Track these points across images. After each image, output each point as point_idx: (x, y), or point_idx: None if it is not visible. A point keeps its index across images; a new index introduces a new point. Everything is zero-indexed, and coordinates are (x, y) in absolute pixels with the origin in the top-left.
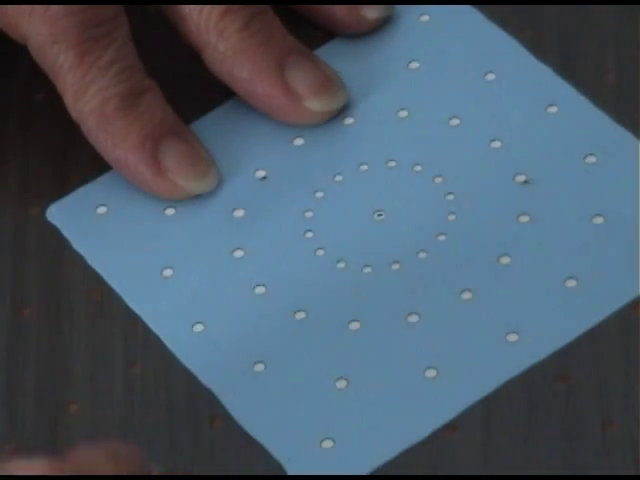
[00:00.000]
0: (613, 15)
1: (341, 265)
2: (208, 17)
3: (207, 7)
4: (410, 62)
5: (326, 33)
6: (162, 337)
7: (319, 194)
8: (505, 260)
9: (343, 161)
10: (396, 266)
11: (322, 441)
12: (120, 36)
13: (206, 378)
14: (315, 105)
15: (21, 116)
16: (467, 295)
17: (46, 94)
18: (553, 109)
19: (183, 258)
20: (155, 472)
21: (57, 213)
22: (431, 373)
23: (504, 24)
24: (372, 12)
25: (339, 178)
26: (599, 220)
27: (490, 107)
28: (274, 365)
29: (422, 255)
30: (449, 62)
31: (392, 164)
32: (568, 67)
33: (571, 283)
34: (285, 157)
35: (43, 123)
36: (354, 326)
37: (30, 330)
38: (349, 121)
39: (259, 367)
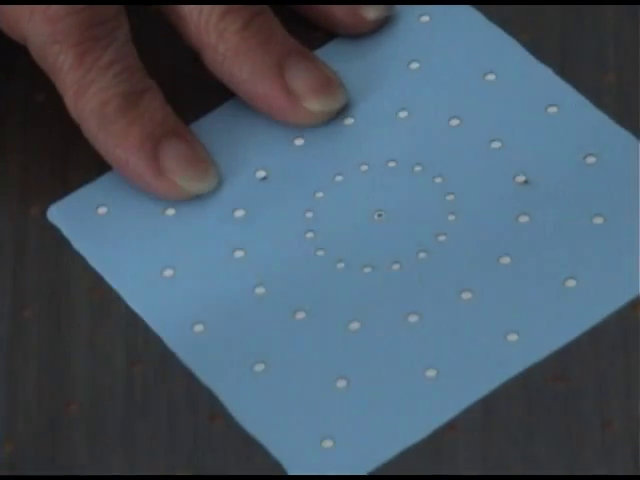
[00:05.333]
0: (613, 15)
1: (341, 265)
2: (208, 18)
3: (207, 7)
4: (410, 62)
5: (326, 33)
6: (162, 337)
7: (319, 194)
8: (505, 260)
9: (343, 161)
10: (396, 266)
11: (322, 441)
12: (120, 36)
13: (206, 378)
14: (315, 105)
15: (21, 116)
16: (467, 295)
17: (46, 94)
18: (553, 109)
19: (183, 258)
20: None
21: (57, 213)
22: (431, 373)
23: (504, 24)
24: (372, 12)
25: (339, 178)
26: (599, 220)
27: (490, 107)
28: (274, 365)
29: (422, 255)
30: (449, 62)
31: (392, 164)
32: (568, 67)
33: (571, 283)
34: (285, 157)
35: (43, 123)
36: (354, 326)
37: (30, 330)
38: (349, 121)
39: (259, 367)
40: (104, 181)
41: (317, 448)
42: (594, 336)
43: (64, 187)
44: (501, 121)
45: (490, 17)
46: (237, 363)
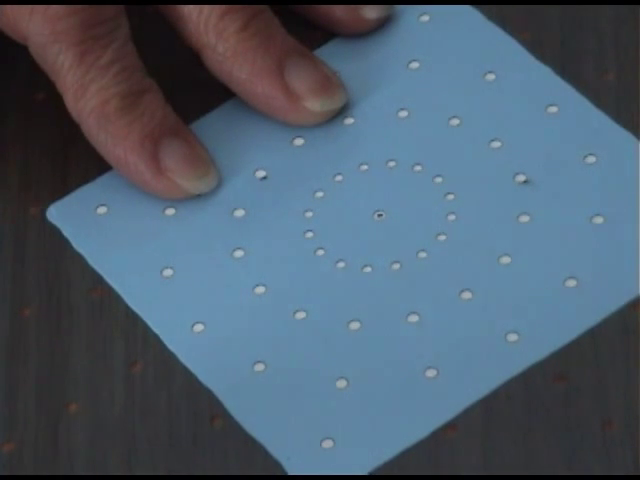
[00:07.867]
0: (613, 15)
1: (341, 265)
2: (207, 18)
3: (206, 7)
4: (410, 62)
5: (326, 33)
6: (162, 337)
7: (319, 194)
8: (505, 260)
9: (343, 161)
10: (396, 266)
11: (322, 441)
12: (120, 36)
13: (206, 378)
14: (314, 105)
15: (21, 116)
16: (467, 295)
17: (46, 94)
18: (553, 109)
19: (183, 258)
20: None
21: (57, 213)
22: (431, 373)
23: (504, 24)
24: (372, 12)
25: (339, 178)
26: (599, 220)
27: (490, 107)
28: (274, 365)
29: (422, 255)
30: (449, 62)
31: (392, 164)
32: (568, 67)
33: (571, 283)
34: (285, 157)
35: (43, 123)
36: (354, 326)
37: (30, 330)
38: (349, 121)
39: (259, 367)
40: (104, 181)
41: (317, 448)
42: (594, 336)
43: (64, 187)
44: (501, 121)
45: (490, 17)
46: (237, 363)
